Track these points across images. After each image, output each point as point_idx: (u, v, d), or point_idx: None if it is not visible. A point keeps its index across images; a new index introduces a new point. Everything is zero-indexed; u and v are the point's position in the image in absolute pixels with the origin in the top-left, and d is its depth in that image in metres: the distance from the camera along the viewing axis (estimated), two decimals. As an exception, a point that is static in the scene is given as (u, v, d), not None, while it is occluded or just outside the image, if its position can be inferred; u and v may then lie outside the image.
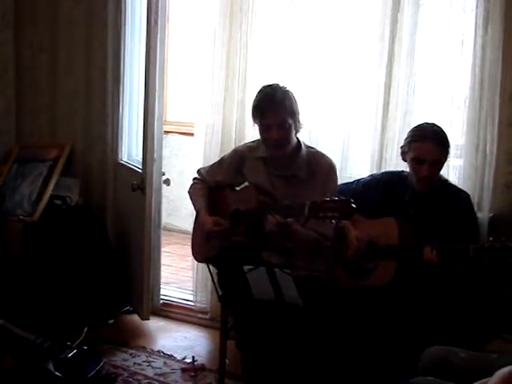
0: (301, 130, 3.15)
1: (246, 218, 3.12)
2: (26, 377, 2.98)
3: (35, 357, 3.02)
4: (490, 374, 1.54)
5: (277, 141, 3.04)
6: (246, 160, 3.30)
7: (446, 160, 2.97)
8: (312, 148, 3.24)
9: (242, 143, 3.58)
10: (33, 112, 4.52)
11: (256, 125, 3.14)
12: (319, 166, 3.15)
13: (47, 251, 3.75)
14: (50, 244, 3.78)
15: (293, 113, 3.05)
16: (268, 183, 3.19)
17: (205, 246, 3.32)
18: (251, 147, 3.31)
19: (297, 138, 3.17)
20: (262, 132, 3.11)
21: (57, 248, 3.77)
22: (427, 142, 2.89)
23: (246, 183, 3.36)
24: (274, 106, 3.01)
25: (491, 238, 2.66)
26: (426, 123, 3.02)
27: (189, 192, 3.46)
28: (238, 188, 3.37)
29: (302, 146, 3.18)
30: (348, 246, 3.04)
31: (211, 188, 3.41)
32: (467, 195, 3.06)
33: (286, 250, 3.09)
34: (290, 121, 3.03)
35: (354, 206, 2.59)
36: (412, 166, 2.98)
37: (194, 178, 3.49)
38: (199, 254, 3.42)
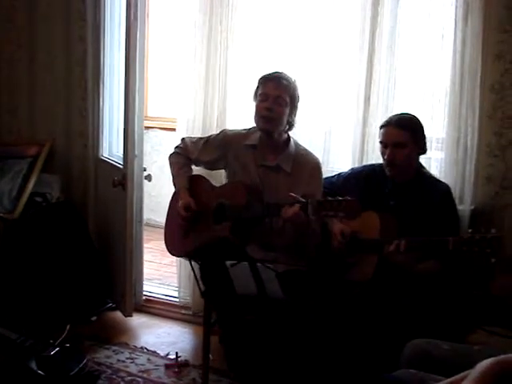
0: (293, 127, 3.22)
1: (232, 213, 3.12)
2: (8, 376, 2.95)
3: (17, 355, 3.00)
4: (472, 366, 1.54)
5: (269, 110, 3.09)
6: (234, 147, 3.32)
7: (416, 145, 3.00)
8: (301, 146, 3.29)
9: (232, 129, 3.58)
10: (12, 109, 4.48)
11: (255, 101, 3.20)
12: (306, 163, 3.20)
13: (28, 248, 3.72)
14: (31, 241, 3.75)
15: (292, 97, 3.15)
16: (255, 173, 3.21)
17: (182, 240, 3.32)
18: (241, 134, 3.34)
19: (287, 134, 3.23)
20: (258, 103, 3.16)
21: (38, 245, 3.74)
22: (389, 126, 3.00)
23: (226, 174, 3.37)
24: (278, 80, 3.14)
25: (470, 230, 2.68)
26: (399, 113, 3.12)
27: (170, 160, 3.48)
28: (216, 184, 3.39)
29: (291, 141, 3.24)
30: (332, 238, 3.05)
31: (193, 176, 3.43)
32: (447, 186, 3.09)
33: (269, 244, 3.10)
34: (288, 100, 3.12)
35: (359, 205, 2.62)
36: (381, 152, 3.06)
37: (176, 147, 3.50)
38: (176, 248, 3.41)
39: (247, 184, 3.20)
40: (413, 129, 2.99)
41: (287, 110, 3.13)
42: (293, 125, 3.21)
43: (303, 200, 2.79)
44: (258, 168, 3.23)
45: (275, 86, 3.12)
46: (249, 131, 3.32)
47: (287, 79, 3.15)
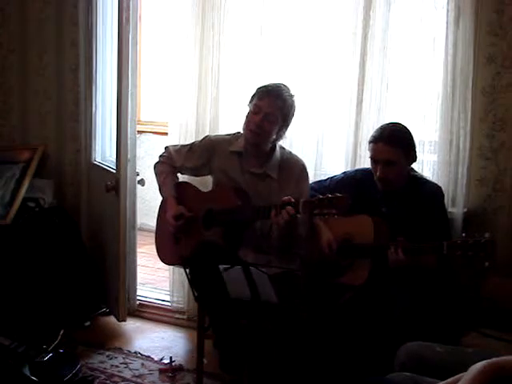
0: (281, 139, 3.21)
1: (222, 218, 3.11)
2: (1, 382, 2.94)
3: (10, 361, 2.98)
4: (466, 369, 1.55)
5: (258, 127, 3.07)
6: (218, 152, 3.31)
7: (407, 160, 2.99)
8: (284, 149, 3.29)
9: (216, 134, 3.59)
10: (3, 114, 4.47)
11: (249, 107, 3.17)
12: (292, 167, 3.21)
13: (21, 254, 3.71)
14: (24, 246, 3.73)
15: (285, 116, 3.11)
16: (241, 179, 3.21)
17: (174, 248, 3.31)
18: (226, 140, 3.33)
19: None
20: (249, 113, 3.14)
21: (31, 250, 3.72)
22: (379, 143, 2.95)
23: (212, 180, 3.39)
24: (274, 98, 3.08)
25: (464, 234, 2.69)
26: (388, 124, 3.08)
27: (155, 170, 3.47)
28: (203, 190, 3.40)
29: (277, 147, 3.23)
30: (320, 247, 3.05)
31: (179, 183, 3.44)
32: (437, 186, 3.09)
33: (261, 247, 3.10)
34: (279, 118, 3.09)
35: (349, 201, 2.63)
36: (371, 166, 3.04)
37: (161, 156, 3.49)
38: (169, 257, 3.41)
39: (235, 187, 3.19)
40: (404, 145, 2.96)
41: (277, 127, 3.11)
42: (281, 138, 3.20)
43: (294, 200, 2.79)
44: (244, 174, 3.23)
45: (269, 103, 3.07)
46: (233, 136, 3.31)
47: (284, 99, 3.09)
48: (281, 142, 3.32)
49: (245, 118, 3.17)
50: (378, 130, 3.04)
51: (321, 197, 2.73)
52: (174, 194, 3.34)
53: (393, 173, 2.96)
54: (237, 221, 3.06)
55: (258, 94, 3.15)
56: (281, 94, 3.11)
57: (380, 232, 2.92)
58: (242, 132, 3.24)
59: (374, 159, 2.99)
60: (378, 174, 2.97)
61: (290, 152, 3.29)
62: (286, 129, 3.17)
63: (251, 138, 3.13)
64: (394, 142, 2.93)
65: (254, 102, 3.14)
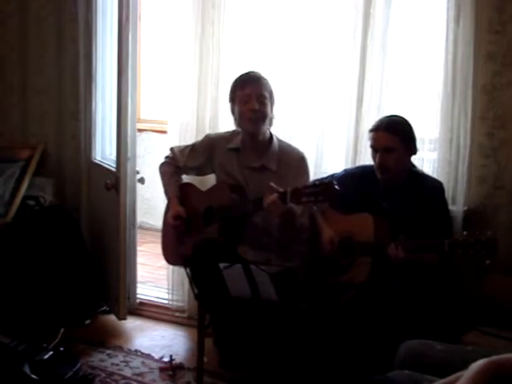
0: (273, 122, 3.21)
1: (219, 215, 3.13)
2: (1, 380, 2.94)
3: (11, 360, 2.98)
4: (466, 367, 1.55)
5: (255, 112, 3.08)
6: (218, 150, 3.33)
7: (406, 150, 2.99)
8: (283, 141, 3.29)
9: (215, 132, 3.60)
10: (3, 112, 4.47)
11: (233, 107, 3.18)
12: (290, 158, 3.20)
13: (21, 252, 3.71)
14: (24, 245, 3.73)
15: (270, 93, 3.16)
16: (240, 175, 3.22)
17: (178, 248, 3.32)
18: (224, 137, 3.34)
19: (269, 132, 3.22)
20: (240, 107, 3.14)
21: (31, 249, 3.72)
22: (379, 131, 2.98)
23: (215, 181, 3.39)
24: (253, 79, 3.14)
25: (465, 232, 2.68)
26: (388, 115, 3.11)
27: (160, 170, 3.48)
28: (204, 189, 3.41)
29: (274, 138, 3.24)
30: (321, 245, 3.05)
31: (182, 184, 3.44)
32: (438, 182, 3.10)
33: (260, 243, 3.11)
34: (267, 96, 3.12)
35: (337, 187, 2.62)
36: (372, 156, 3.06)
37: (166, 157, 3.50)
38: (172, 256, 3.43)
39: (230, 184, 3.21)
40: (402, 133, 2.97)
41: (269, 106, 3.14)
42: (273, 119, 3.20)
43: (281, 190, 2.79)
44: (243, 170, 3.23)
45: (254, 87, 3.10)
46: (232, 134, 3.32)
47: (260, 76, 3.16)
48: (281, 137, 3.32)
49: (235, 115, 3.19)
50: (377, 120, 3.07)
51: (307, 184, 2.75)
52: (178, 194, 3.35)
53: (391, 160, 2.96)
54: (234, 215, 3.07)
55: (237, 85, 3.17)
56: (258, 75, 3.17)
57: (380, 230, 2.92)
58: (237, 129, 3.26)
59: (373, 147, 3.02)
60: (376, 160, 2.99)
61: (290, 144, 3.30)
62: (273, 106, 3.18)
63: (252, 126, 3.13)
64: (393, 129, 2.96)
65: (239, 94, 3.14)
